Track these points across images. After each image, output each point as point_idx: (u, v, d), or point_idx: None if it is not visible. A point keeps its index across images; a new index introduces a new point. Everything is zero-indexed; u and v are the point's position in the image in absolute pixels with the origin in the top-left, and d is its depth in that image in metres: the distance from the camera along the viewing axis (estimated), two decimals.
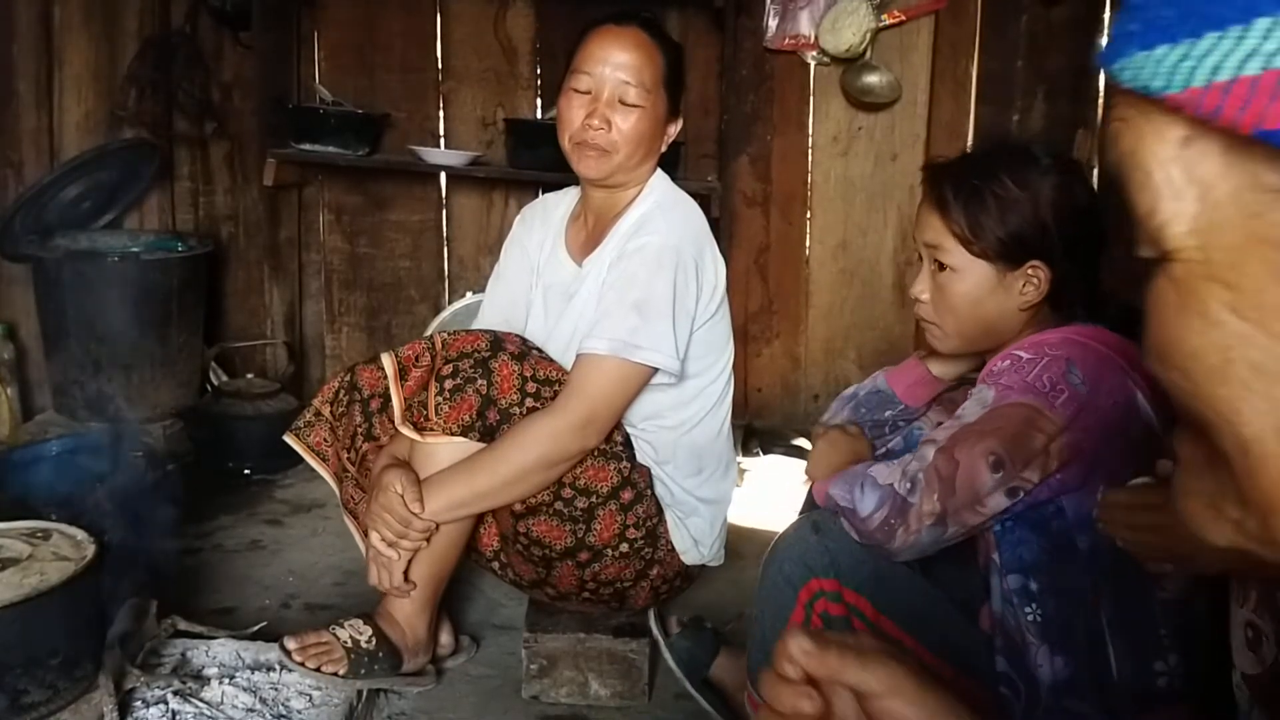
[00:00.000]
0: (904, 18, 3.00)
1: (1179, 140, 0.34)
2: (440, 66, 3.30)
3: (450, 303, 3.19)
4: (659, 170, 1.95)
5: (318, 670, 1.81)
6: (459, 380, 1.76)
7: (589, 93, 1.85)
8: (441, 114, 3.33)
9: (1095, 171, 2.85)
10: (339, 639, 1.85)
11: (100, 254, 2.98)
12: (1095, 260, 1.40)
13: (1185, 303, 0.37)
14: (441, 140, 3.32)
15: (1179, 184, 0.35)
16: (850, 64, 3.04)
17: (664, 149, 1.94)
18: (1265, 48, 0.31)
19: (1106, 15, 2.83)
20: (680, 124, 1.96)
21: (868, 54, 3.01)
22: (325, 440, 2.00)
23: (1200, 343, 0.37)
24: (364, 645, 1.86)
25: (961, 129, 3.02)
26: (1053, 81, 2.91)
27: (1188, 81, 0.32)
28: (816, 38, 3.03)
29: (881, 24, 2.98)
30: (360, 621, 1.90)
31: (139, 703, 1.70)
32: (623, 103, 1.83)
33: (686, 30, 3.12)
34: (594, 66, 1.85)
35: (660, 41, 1.89)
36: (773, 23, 3.08)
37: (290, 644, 1.83)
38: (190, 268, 3.05)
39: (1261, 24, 0.31)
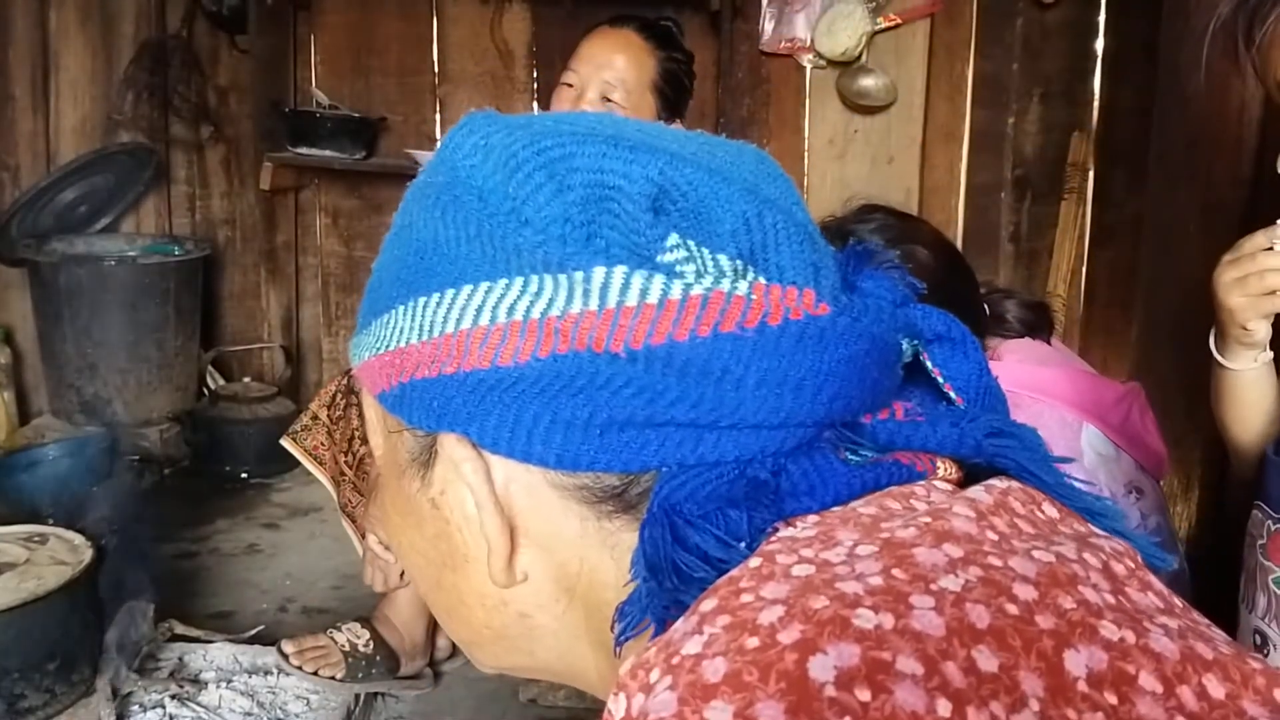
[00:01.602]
0: (899, 21, 3.00)
1: (373, 397, 0.50)
2: (436, 70, 3.30)
3: None
4: None
5: (315, 674, 1.81)
6: None
7: (575, 88, 1.86)
8: (438, 117, 3.33)
9: (1090, 174, 2.86)
10: (336, 643, 1.85)
11: (97, 258, 2.98)
12: (971, 300, 1.35)
13: (379, 500, 0.58)
14: (438, 144, 3.32)
15: (375, 423, 0.52)
16: (846, 67, 3.04)
17: None
18: (367, 341, 0.49)
19: (1102, 17, 2.84)
20: (678, 128, 1.96)
21: (863, 57, 3.01)
22: (323, 444, 2.00)
23: (389, 527, 0.54)
24: (361, 649, 1.86)
25: (957, 132, 3.03)
26: (1048, 84, 2.92)
27: (355, 360, 0.51)
28: (812, 41, 3.03)
29: (877, 27, 2.98)
30: (358, 625, 1.90)
31: (136, 707, 1.70)
32: (605, 99, 1.84)
33: (683, 34, 3.12)
34: (581, 65, 1.86)
35: (658, 45, 1.90)
36: (768, 26, 3.08)
37: (288, 648, 1.83)
38: (187, 271, 3.05)
39: (374, 325, 0.49)
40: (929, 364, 0.49)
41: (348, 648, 1.85)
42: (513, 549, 0.46)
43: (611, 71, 1.84)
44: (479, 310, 0.43)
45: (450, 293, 0.44)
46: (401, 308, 0.46)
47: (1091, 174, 2.87)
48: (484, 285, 0.43)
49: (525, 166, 0.43)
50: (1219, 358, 1.25)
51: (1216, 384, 1.28)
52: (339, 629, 1.88)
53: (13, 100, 3.02)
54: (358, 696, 1.86)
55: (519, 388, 0.42)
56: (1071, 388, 1.42)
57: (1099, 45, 2.85)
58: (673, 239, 0.42)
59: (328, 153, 3.09)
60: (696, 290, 0.41)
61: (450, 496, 0.47)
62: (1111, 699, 0.34)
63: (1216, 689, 0.35)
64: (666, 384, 0.41)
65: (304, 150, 3.09)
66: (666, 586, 0.42)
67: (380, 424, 0.51)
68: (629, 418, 0.42)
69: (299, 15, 3.28)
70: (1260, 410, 1.26)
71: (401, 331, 0.46)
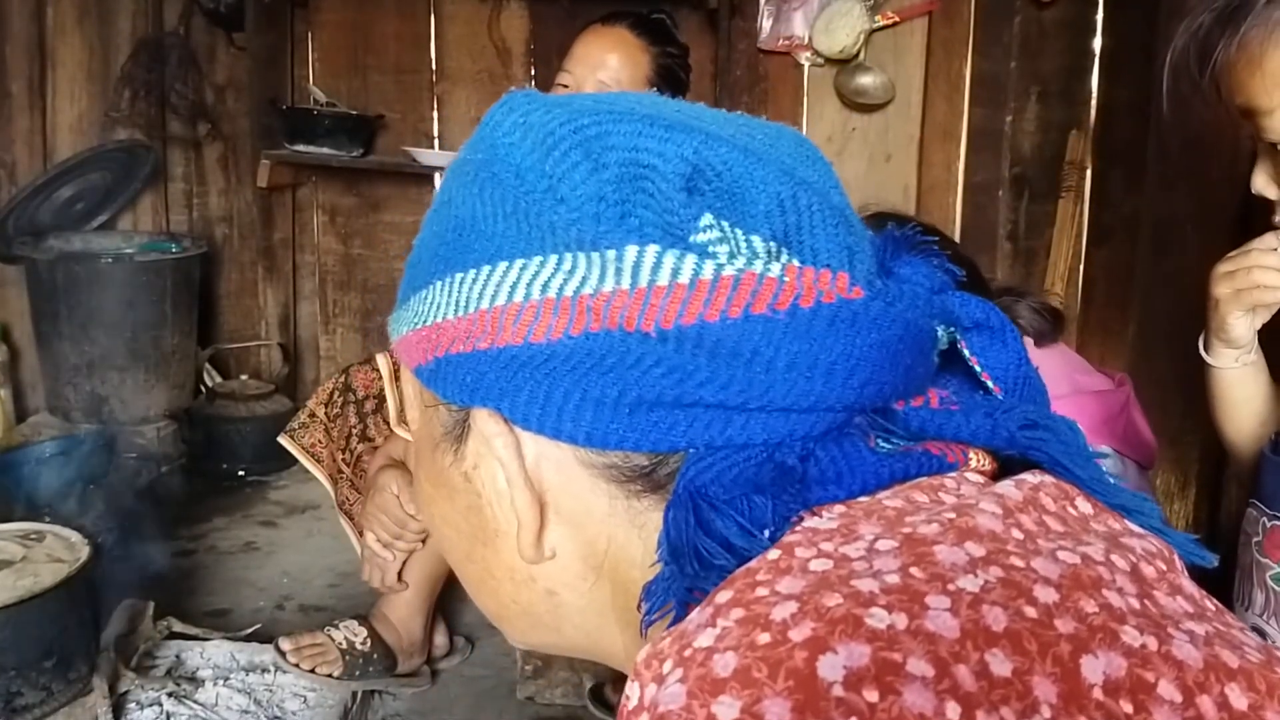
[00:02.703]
0: (897, 19, 3.00)
1: (410, 371, 0.50)
2: (434, 68, 3.30)
3: None
4: None
5: (312, 672, 1.81)
6: None
7: (569, 90, 1.85)
8: (435, 115, 3.33)
9: (1089, 173, 2.86)
10: (334, 640, 1.85)
11: (94, 255, 2.98)
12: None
13: (414, 474, 0.56)
14: (435, 141, 3.32)
15: (412, 397, 0.53)
16: (844, 65, 3.04)
17: None
18: (405, 316, 0.50)
19: (1100, 16, 2.84)
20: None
21: (861, 55, 3.01)
22: (320, 442, 2.00)
23: (422, 499, 0.55)
24: (359, 647, 1.86)
25: (955, 130, 3.03)
26: (1045, 83, 2.92)
27: (394, 335, 0.52)
28: (810, 39, 3.03)
29: (875, 25, 2.98)
30: (355, 623, 1.90)
31: (133, 705, 1.70)
32: None
33: (681, 32, 3.12)
34: (574, 65, 1.86)
35: (652, 41, 1.89)
36: (767, 24, 3.08)
37: (285, 645, 1.83)
38: (184, 269, 3.05)
39: (413, 301, 0.49)
40: (966, 352, 0.49)
41: (345, 645, 1.85)
42: (542, 525, 0.46)
43: (605, 71, 1.83)
44: (514, 287, 0.43)
45: (486, 269, 0.44)
46: (439, 283, 0.47)
47: (1089, 173, 2.87)
48: (519, 262, 0.43)
49: (562, 145, 0.43)
50: (1203, 354, 1.27)
51: (1207, 382, 1.29)
52: (336, 627, 1.88)
53: (9, 97, 3.02)
54: (355, 694, 1.86)
55: (551, 364, 0.43)
56: (1080, 413, 1.43)
57: (1097, 44, 2.85)
58: (706, 219, 0.42)
59: (325, 150, 3.09)
60: (728, 271, 0.41)
61: (482, 471, 0.47)
62: (1127, 707, 0.34)
63: (1239, 699, 0.35)
64: (696, 364, 0.41)
65: (301, 148, 3.09)
66: (687, 572, 0.42)
67: (417, 398, 0.52)
68: (658, 397, 0.42)
69: (296, 13, 3.28)
70: (1249, 410, 1.26)
71: (439, 307, 0.46)
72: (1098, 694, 0.34)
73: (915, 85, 3.07)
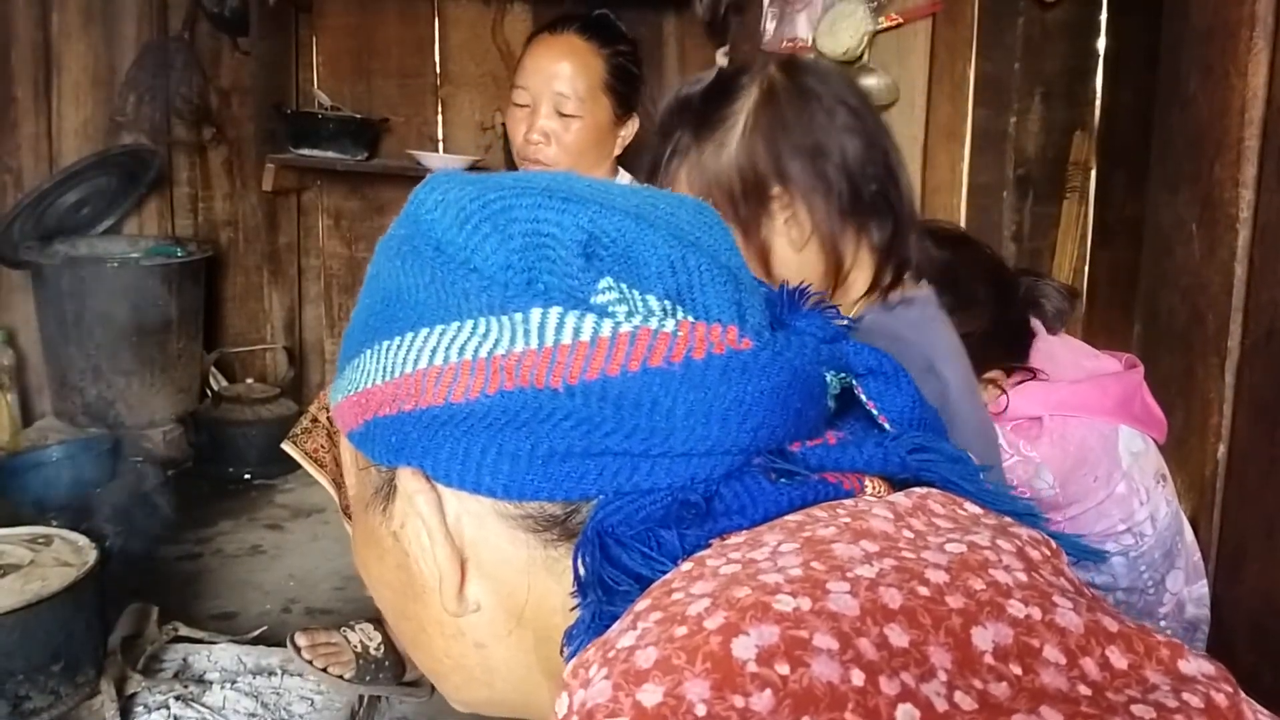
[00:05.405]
0: (901, 21, 3.00)
1: (345, 436, 0.53)
2: (438, 71, 3.31)
3: None
4: (621, 171, 1.97)
5: (324, 670, 1.81)
6: None
7: (528, 106, 1.86)
8: (440, 118, 3.33)
9: (1093, 174, 2.86)
10: (349, 642, 1.85)
11: (100, 260, 2.99)
12: (1021, 323, 1.43)
13: (352, 536, 0.59)
14: (440, 145, 3.33)
15: (348, 463, 0.55)
16: (848, 67, 3.04)
17: (618, 151, 1.96)
18: (341, 385, 0.52)
19: (1103, 17, 2.84)
20: (635, 123, 1.96)
21: (865, 57, 3.01)
22: (323, 446, 2.00)
23: (359, 560, 0.58)
24: (373, 651, 1.86)
25: (959, 131, 3.02)
26: (1049, 84, 2.92)
27: (332, 403, 0.54)
28: (814, 41, 3.03)
29: (878, 27, 2.98)
30: (371, 626, 1.90)
31: (140, 708, 1.70)
32: (560, 113, 1.84)
33: (683, 34, 3.12)
34: (528, 79, 1.86)
35: (601, 42, 1.89)
36: (770, 26, 3.08)
37: (301, 640, 1.83)
38: (189, 273, 3.05)
39: (347, 370, 0.51)
40: (863, 396, 0.52)
41: (360, 649, 1.85)
42: (463, 578, 0.49)
43: (560, 81, 1.83)
44: (434, 351, 0.46)
45: (410, 335, 0.48)
46: (369, 351, 0.50)
47: (1093, 174, 2.86)
48: (439, 328, 0.47)
49: (473, 219, 0.47)
50: None
51: None
52: (352, 628, 1.88)
53: (15, 102, 3.03)
54: (362, 698, 1.86)
55: (469, 422, 0.45)
56: (1104, 395, 1.48)
57: (1100, 45, 2.85)
58: (605, 281, 0.46)
59: (330, 154, 3.09)
60: (625, 328, 0.44)
61: (409, 528, 0.50)
62: (1016, 670, 0.37)
63: (1119, 659, 0.38)
64: (602, 415, 0.44)
65: (306, 151, 3.09)
66: (589, 600, 0.44)
67: (352, 463, 0.54)
68: (568, 448, 0.45)
69: (300, 17, 3.29)
70: None
71: (368, 374, 0.50)
72: (989, 659, 0.37)
73: (919, 87, 3.07)
